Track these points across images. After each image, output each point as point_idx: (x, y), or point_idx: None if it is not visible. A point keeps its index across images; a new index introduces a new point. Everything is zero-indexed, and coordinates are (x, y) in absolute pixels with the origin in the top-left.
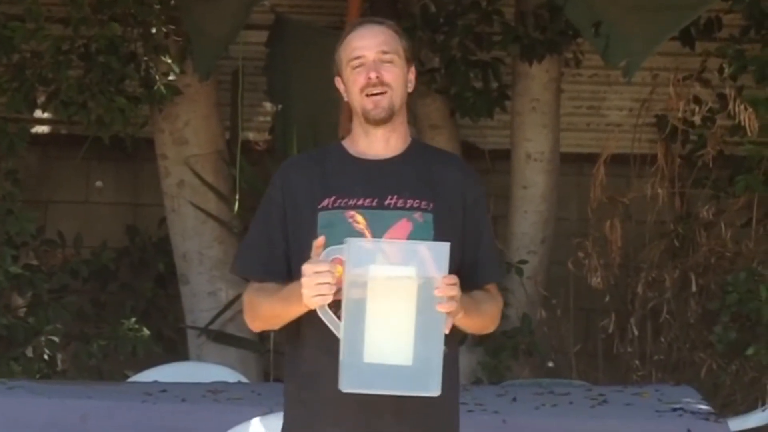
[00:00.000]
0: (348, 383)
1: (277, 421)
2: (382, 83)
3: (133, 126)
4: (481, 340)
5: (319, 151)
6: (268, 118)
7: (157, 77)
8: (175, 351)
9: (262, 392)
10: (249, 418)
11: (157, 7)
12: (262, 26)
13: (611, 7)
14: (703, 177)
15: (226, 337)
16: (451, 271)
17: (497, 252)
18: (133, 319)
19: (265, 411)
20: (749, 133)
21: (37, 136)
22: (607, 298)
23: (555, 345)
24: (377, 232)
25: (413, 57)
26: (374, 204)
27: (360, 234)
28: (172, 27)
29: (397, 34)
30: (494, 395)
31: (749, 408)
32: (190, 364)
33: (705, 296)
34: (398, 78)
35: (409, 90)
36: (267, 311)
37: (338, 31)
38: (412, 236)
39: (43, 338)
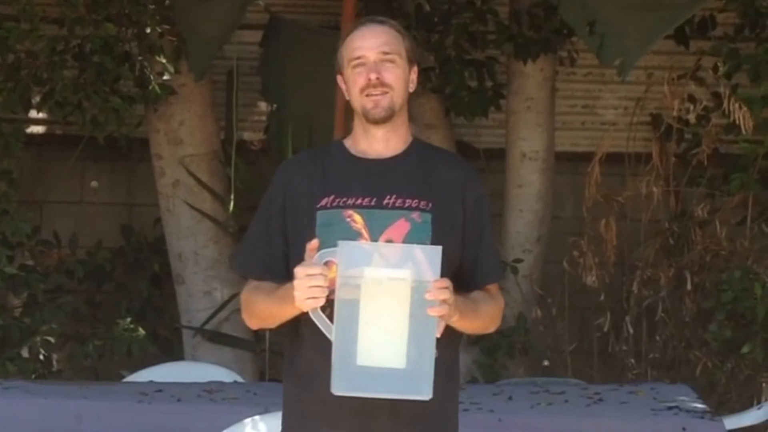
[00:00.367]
0: (340, 386)
1: (273, 420)
2: (382, 84)
3: (128, 126)
4: (476, 340)
5: (321, 150)
6: (263, 118)
7: (152, 77)
8: (171, 351)
9: (257, 392)
10: (245, 417)
11: (152, 7)
12: (256, 26)
13: (605, 5)
14: (697, 175)
15: (222, 336)
16: (449, 272)
17: (497, 252)
18: (129, 319)
19: (260, 411)
20: (744, 132)
21: (32, 136)
22: (603, 297)
23: (550, 344)
24: (375, 232)
25: (415, 57)
26: (372, 203)
27: (358, 233)
28: (167, 27)
29: (399, 34)
30: (490, 394)
31: (744, 406)
32: (185, 364)
33: (700, 294)
34: (399, 78)
35: (411, 90)
36: (263, 310)
37: (333, 30)
38: (409, 236)
39: (38, 338)
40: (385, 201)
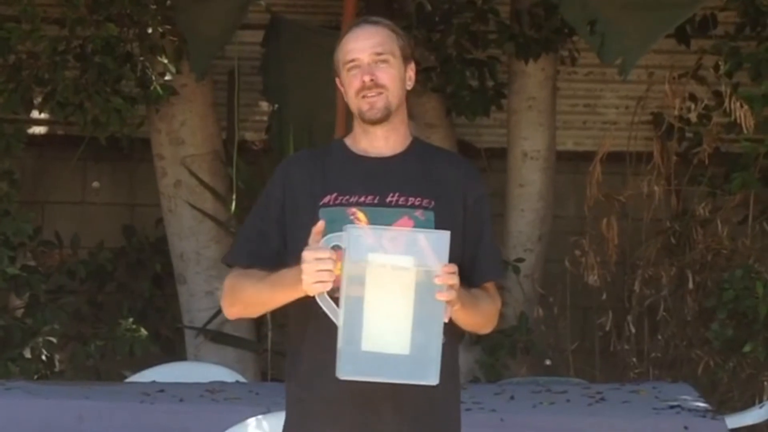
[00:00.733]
0: (345, 371)
1: (275, 420)
2: (377, 85)
3: (129, 126)
4: (478, 339)
5: (321, 149)
6: (265, 118)
7: (154, 77)
8: (173, 351)
9: (260, 392)
10: (247, 417)
11: (153, 7)
12: (257, 26)
13: (606, 5)
14: (699, 174)
15: (224, 336)
16: None
17: (497, 250)
18: (131, 320)
19: (263, 411)
20: (745, 130)
21: (34, 136)
22: (604, 296)
23: (552, 343)
24: None
25: (411, 54)
26: (375, 201)
27: None
28: (168, 27)
29: (393, 32)
30: (492, 394)
31: (746, 405)
32: (187, 364)
33: (702, 293)
34: (394, 78)
35: (408, 88)
36: (251, 296)
37: (334, 30)
38: None
39: (40, 339)
40: (388, 199)
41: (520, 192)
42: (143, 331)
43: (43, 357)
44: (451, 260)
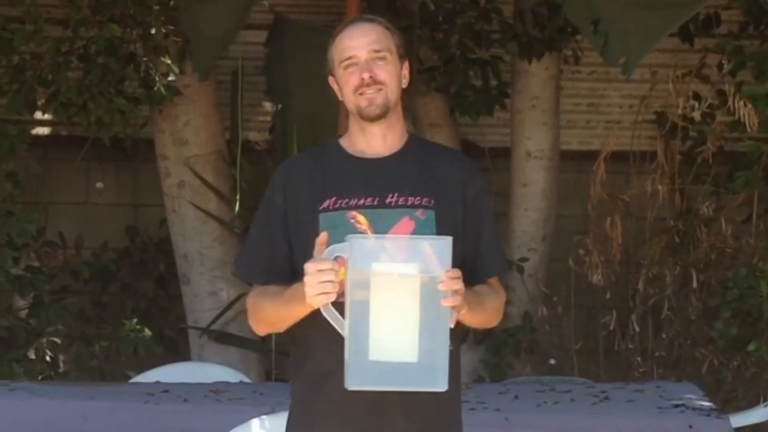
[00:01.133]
0: (353, 381)
1: (279, 420)
2: (375, 82)
3: (133, 127)
4: (482, 338)
5: (316, 150)
6: (268, 118)
7: (157, 78)
8: (177, 351)
9: (264, 392)
10: (251, 418)
11: (156, 7)
12: (261, 26)
13: (609, 4)
14: (702, 173)
15: (228, 337)
16: (453, 266)
17: (499, 245)
18: (135, 320)
19: (267, 411)
20: (749, 129)
21: (38, 137)
22: (608, 295)
23: (556, 342)
24: (380, 232)
25: (406, 52)
26: (375, 203)
27: (363, 234)
28: (172, 27)
29: (388, 30)
30: (496, 393)
31: (751, 404)
32: (191, 364)
33: (706, 292)
34: (391, 75)
35: (404, 85)
36: (271, 314)
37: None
38: (414, 234)
39: (44, 339)
40: (388, 200)
41: (523, 191)
42: (147, 332)
43: (47, 357)
44: (454, 258)
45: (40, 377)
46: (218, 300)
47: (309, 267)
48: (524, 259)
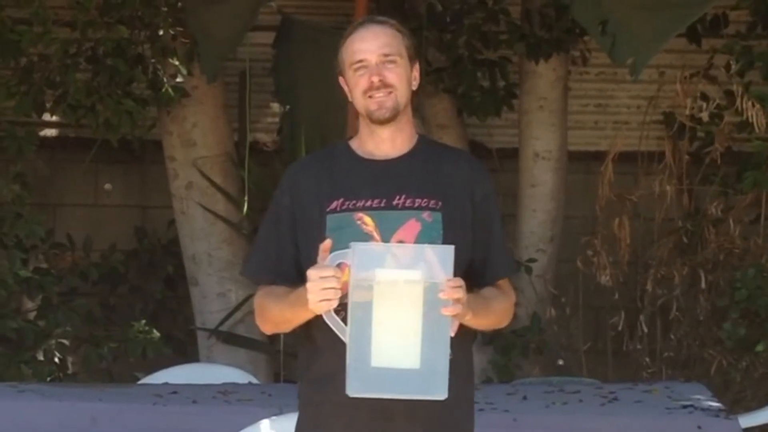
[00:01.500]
0: (354, 388)
1: (287, 422)
2: (385, 85)
3: (141, 128)
4: (491, 339)
5: (325, 151)
6: (276, 119)
7: (165, 79)
8: (185, 353)
9: (272, 393)
10: (259, 419)
11: (164, 9)
12: (269, 27)
13: (617, 5)
14: (710, 174)
15: (236, 338)
16: (461, 269)
17: (508, 247)
18: (143, 321)
19: (275, 412)
20: (757, 130)
21: (46, 139)
22: (617, 296)
23: (565, 343)
24: (386, 233)
25: (416, 54)
26: (382, 205)
27: (369, 236)
28: (180, 29)
29: (399, 32)
30: (505, 394)
31: (760, 404)
32: (200, 365)
33: (714, 293)
34: (402, 78)
35: (414, 88)
36: (276, 315)
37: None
38: (421, 236)
39: (53, 341)
40: (395, 202)
41: (531, 192)
42: (156, 333)
43: (56, 359)
44: (461, 261)
45: (48, 379)
46: (227, 301)
47: (312, 273)
48: (532, 260)
